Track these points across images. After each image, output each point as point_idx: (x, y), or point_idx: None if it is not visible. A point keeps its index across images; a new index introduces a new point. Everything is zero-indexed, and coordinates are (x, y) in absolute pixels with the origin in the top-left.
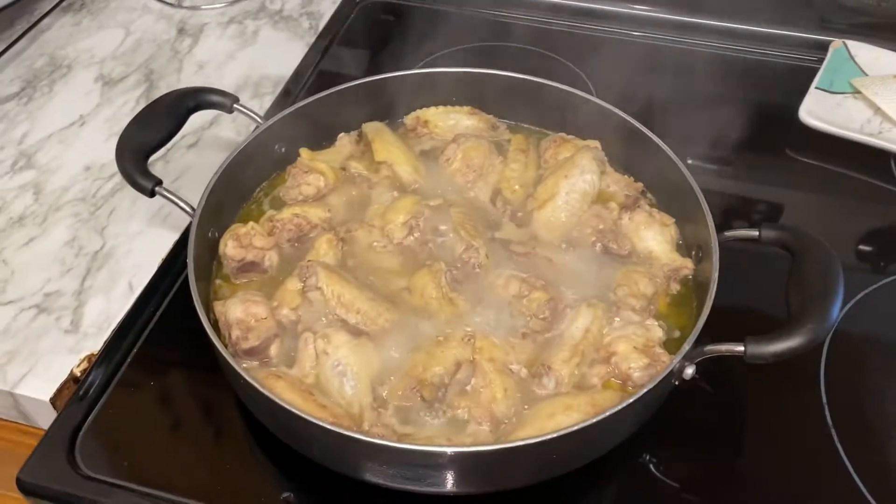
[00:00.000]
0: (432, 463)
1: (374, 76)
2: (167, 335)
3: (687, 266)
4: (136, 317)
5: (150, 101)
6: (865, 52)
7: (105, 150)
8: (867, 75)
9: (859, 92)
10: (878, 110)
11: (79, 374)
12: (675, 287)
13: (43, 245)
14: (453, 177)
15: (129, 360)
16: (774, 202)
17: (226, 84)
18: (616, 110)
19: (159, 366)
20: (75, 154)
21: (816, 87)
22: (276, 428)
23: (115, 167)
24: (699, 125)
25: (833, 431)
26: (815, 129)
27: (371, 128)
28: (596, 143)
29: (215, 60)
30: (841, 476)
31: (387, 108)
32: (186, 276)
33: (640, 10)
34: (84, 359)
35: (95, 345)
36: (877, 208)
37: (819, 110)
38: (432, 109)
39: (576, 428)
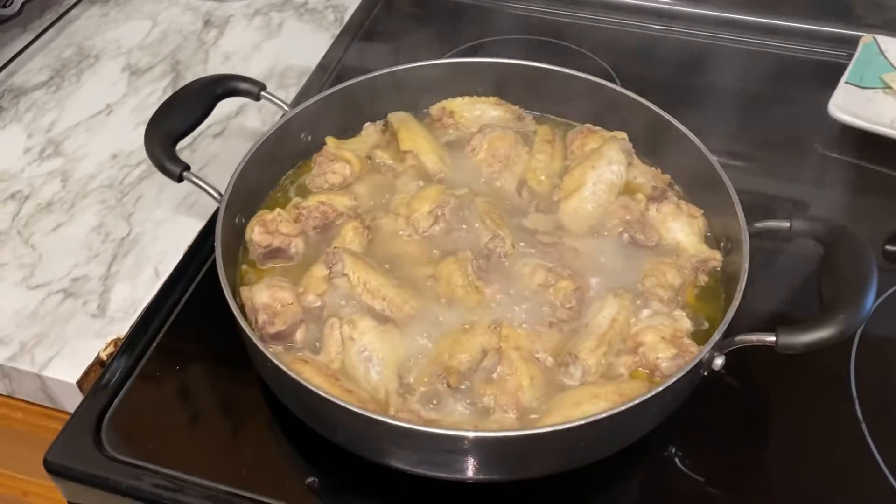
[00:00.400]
0: (457, 448)
1: (399, 66)
2: (192, 320)
3: (715, 257)
4: (162, 302)
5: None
6: None
7: (132, 139)
8: None
9: (890, 87)
10: None
11: (105, 358)
12: (703, 279)
13: (70, 231)
14: (479, 167)
15: (154, 344)
16: (801, 199)
17: (252, 74)
18: (644, 101)
19: (184, 350)
20: (102, 142)
21: (846, 82)
22: (302, 412)
23: (141, 155)
24: (726, 120)
25: (864, 427)
26: (844, 124)
27: (397, 118)
28: (623, 135)
29: (241, 52)
30: (871, 471)
31: (412, 98)
32: (212, 262)
33: (666, 5)
34: (110, 343)
35: (122, 329)
36: None
37: (849, 105)
38: (458, 100)
39: (603, 415)
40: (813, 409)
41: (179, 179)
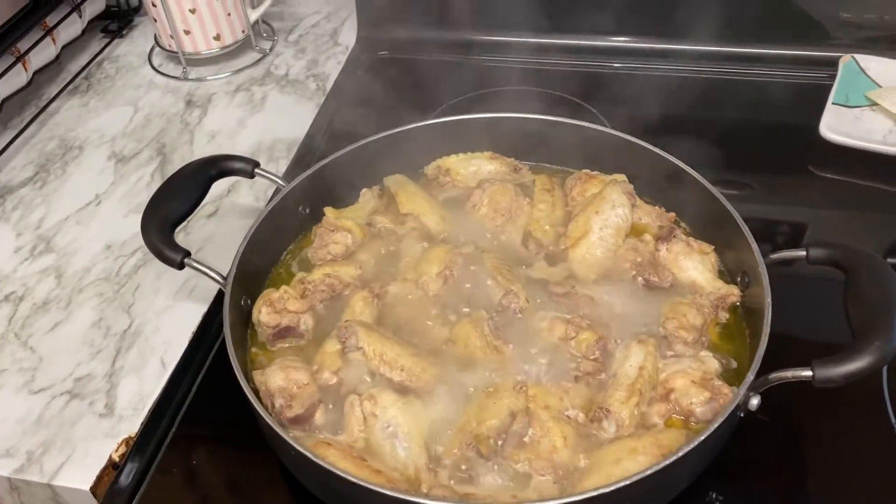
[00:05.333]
0: None
1: (389, 130)
2: (204, 410)
3: (734, 293)
4: (171, 394)
5: (165, 175)
6: (876, 65)
7: (124, 228)
8: (881, 87)
9: (876, 104)
10: None
11: (117, 460)
12: (724, 315)
13: (69, 329)
14: (482, 222)
15: (168, 439)
16: (803, 221)
17: (240, 151)
18: (637, 140)
19: (199, 442)
20: (94, 234)
21: (833, 103)
22: (330, 498)
23: (136, 243)
24: (717, 150)
25: None
26: (837, 144)
27: (392, 181)
28: (622, 177)
29: (226, 129)
30: None
31: (406, 160)
32: (219, 348)
33: (647, 44)
34: (122, 443)
35: (132, 427)
36: None
37: (839, 125)
38: (452, 157)
39: (647, 473)
40: (851, 443)
41: (181, 267)
